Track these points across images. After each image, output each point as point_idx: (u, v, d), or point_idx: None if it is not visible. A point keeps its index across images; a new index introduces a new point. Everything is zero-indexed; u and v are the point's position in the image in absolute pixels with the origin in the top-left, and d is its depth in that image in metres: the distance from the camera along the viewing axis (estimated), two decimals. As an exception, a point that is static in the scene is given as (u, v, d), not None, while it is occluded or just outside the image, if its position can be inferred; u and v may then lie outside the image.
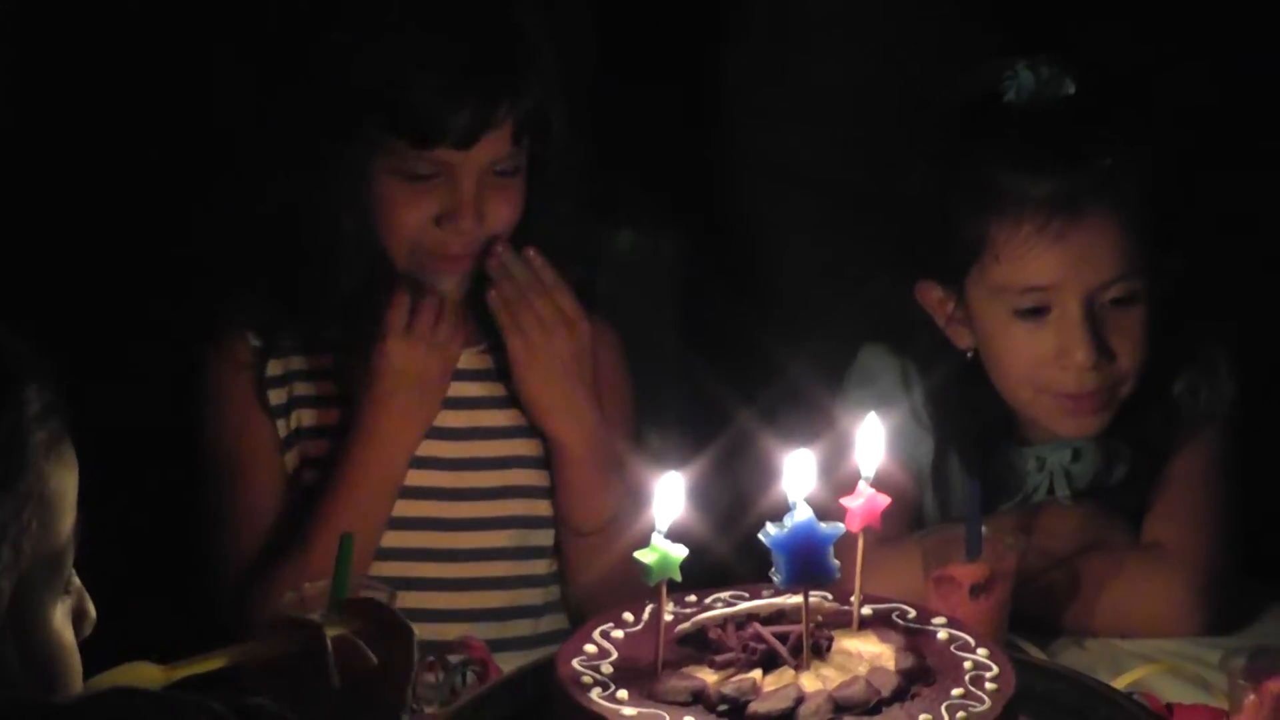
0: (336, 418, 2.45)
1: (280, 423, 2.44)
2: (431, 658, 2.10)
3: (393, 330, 2.36)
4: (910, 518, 2.45)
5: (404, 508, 2.43)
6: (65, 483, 1.47)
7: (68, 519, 1.48)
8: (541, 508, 2.48)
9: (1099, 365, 2.33)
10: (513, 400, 2.47)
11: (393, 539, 2.43)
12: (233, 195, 2.47)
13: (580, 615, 2.45)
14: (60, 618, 1.49)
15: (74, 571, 1.52)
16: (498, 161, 2.37)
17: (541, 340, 2.39)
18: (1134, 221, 2.32)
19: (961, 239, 2.36)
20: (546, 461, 2.48)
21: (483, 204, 2.36)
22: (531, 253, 2.40)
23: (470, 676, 2.10)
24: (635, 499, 2.14)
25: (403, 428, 2.39)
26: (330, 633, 1.73)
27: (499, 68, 2.34)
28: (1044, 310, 2.34)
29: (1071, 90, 2.36)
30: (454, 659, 2.12)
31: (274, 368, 2.44)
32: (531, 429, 2.47)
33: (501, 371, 2.47)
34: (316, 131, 2.35)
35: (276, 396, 2.44)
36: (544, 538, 2.49)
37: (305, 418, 2.45)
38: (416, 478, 2.43)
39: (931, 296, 2.44)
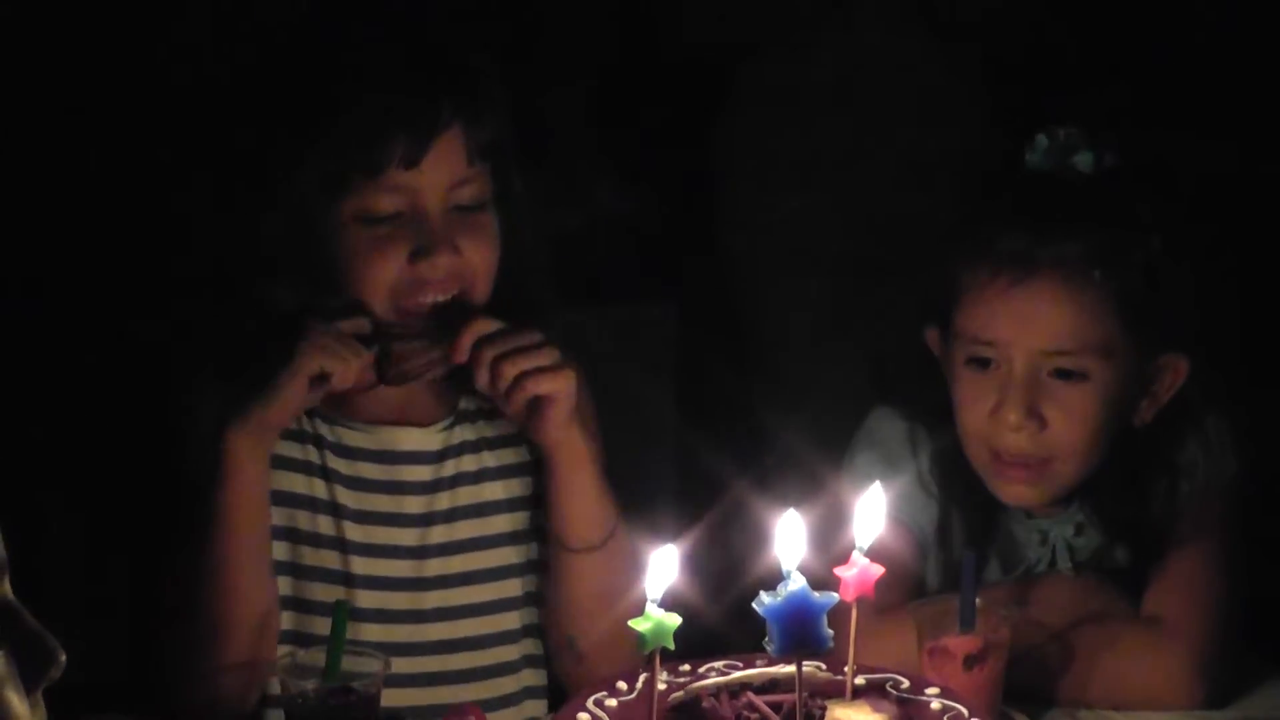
0: None
1: None
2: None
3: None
4: (912, 585, 2.45)
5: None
6: None
7: None
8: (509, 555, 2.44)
9: (1027, 429, 2.35)
10: (475, 477, 2.41)
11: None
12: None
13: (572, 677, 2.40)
14: None
15: (24, 613, 1.42)
16: (459, 190, 2.32)
17: (563, 385, 2.31)
18: (1093, 300, 2.34)
19: (944, 282, 2.42)
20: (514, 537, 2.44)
21: (454, 237, 2.31)
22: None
23: (466, 744, 2.09)
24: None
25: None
26: None
27: (437, 78, 2.30)
28: (989, 364, 2.37)
29: (1085, 164, 2.40)
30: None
31: None
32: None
33: (464, 447, 2.41)
34: (270, 176, 2.29)
35: None
36: (514, 588, 2.43)
37: None
38: (380, 567, 2.36)
39: (933, 339, 2.48)
